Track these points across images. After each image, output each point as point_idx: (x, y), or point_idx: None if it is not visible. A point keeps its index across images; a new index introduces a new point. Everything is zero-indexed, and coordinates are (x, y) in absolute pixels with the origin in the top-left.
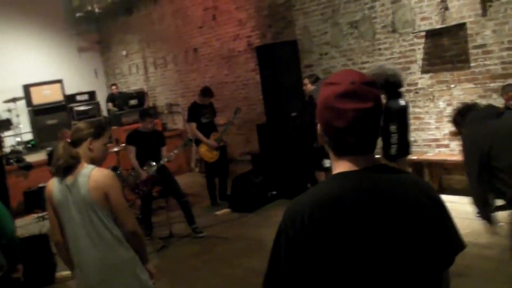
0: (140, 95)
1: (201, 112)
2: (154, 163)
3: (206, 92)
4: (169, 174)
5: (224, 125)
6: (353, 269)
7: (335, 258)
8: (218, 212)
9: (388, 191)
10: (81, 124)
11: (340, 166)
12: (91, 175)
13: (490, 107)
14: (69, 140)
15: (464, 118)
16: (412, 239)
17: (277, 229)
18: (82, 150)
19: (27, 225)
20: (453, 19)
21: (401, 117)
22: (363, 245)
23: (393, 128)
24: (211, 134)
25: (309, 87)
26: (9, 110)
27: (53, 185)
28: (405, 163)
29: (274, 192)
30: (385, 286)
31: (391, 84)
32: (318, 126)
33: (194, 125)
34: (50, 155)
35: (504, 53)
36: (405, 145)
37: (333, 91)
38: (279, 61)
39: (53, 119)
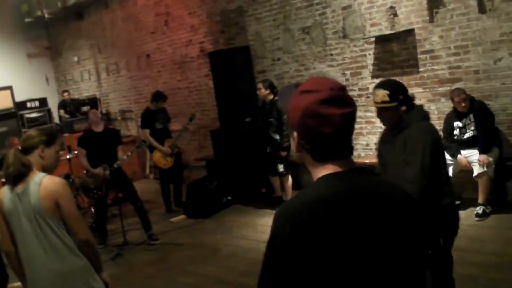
0: (93, 102)
1: (155, 118)
2: (108, 166)
3: (159, 97)
4: (125, 177)
5: (178, 132)
6: (352, 266)
7: (337, 255)
8: (173, 219)
9: (379, 191)
10: (32, 132)
11: (324, 171)
12: (42, 183)
13: (422, 107)
14: (19, 148)
15: (410, 104)
16: (403, 238)
17: (271, 234)
18: (33, 157)
19: None
20: (401, 25)
21: None
22: (363, 242)
23: None
24: (165, 141)
25: (262, 91)
26: None
27: (3, 193)
28: None
29: (229, 198)
30: (382, 284)
31: None
32: (294, 135)
33: (147, 131)
34: None
35: (451, 58)
36: None
37: (314, 98)
38: (232, 66)
39: (3, 126)
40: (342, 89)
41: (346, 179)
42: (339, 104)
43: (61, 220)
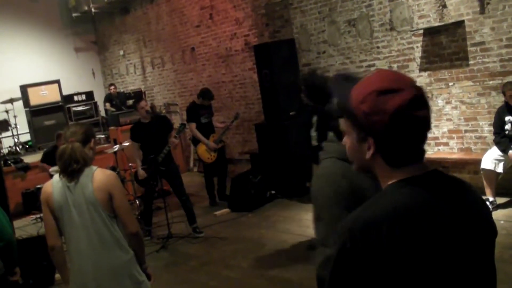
0: (138, 95)
1: (200, 112)
2: (156, 158)
3: (206, 95)
4: (175, 168)
5: (223, 129)
6: (435, 282)
7: (420, 274)
8: (217, 212)
9: (460, 199)
10: (80, 125)
11: (401, 175)
12: (95, 176)
13: None
14: (76, 141)
15: None
16: (484, 249)
17: (337, 249)
18: (86, 150)
19: (26, 227)
20: (451, 17)
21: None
22: (451, 258)
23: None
24: (210, 135)
25: None
26: (7, 111)
27: (52, 187)
28: None
29: (273, 192)
30: None
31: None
32: (370, 141)
33: (193, 125)
34: (47, 154)
35: (503, 51)
36: None
37: (402, 99)
38: (277, 60)
39: (51, 119)
40: (415, 83)
41: (428, 183)
42: (425, 104)
43: (112, 213)
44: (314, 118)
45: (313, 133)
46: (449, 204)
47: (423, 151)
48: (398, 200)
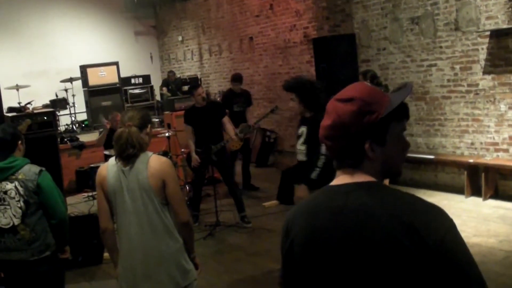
0: (194, 81)
1: (234, 100)
2: (213, 147)
3: (234, 77)
4: (226, 158)
5: (263, 115)
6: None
7: (298, 265)
8: (266, 203)
9: (353, 216)
10: (138, 110)
11: (334, 180)
12: (150, 162)
13: None
14: (133, 126)
15: None
16: (363, 275)
17: None
18: (143, 135)
19: (77, 204)
20: None
21: None
22: (317, 266)
23: (323, 148)
24: (240, 124)
25: None
26: (66, 90)
27: (107, 170)
28: None
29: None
30: None
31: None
32: None
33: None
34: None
35: None
36: (331, 173)
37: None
38: (336, 54)
39: (108, 100)
40: (339, 99)
41: (332, 193)
42: (325, 116)
43: (164, 200)
44: (302, 129)
45: (301, 147)
46: (335, 217)
47: (343, 161)
48: (308, 201)
